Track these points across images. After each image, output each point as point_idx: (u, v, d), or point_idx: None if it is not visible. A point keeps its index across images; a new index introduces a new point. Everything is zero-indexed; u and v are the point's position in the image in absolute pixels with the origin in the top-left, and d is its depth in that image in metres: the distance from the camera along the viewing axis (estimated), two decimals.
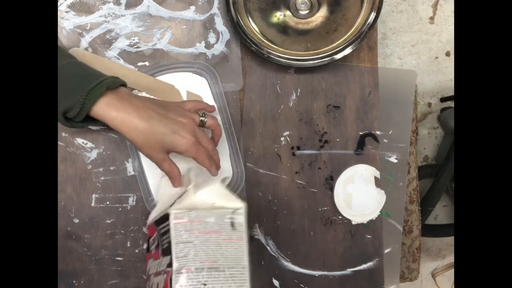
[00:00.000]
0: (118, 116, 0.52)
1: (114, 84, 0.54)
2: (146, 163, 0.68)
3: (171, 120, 0.55)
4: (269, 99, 0.71)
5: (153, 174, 0.68)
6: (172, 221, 0.52)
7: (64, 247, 0.68)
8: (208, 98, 0.68)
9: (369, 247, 0.73)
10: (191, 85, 0.68)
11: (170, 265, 0.50)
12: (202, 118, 0.59)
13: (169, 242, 0.51)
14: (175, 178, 0.58)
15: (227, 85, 0.70)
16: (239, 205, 0.55)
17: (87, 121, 0.55)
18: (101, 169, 0.68)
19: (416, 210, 0.99)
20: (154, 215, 0.62)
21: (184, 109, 0.59)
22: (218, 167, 0.60)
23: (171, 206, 0.55)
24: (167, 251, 0.52)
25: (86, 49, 0.68)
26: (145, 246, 0.69)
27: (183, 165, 0.61)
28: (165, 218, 0.54)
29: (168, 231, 0.52)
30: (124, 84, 0.56)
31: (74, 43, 0.67)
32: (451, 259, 1.52)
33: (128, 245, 0.69)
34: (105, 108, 0.52)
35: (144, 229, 0.69)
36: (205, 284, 0.50)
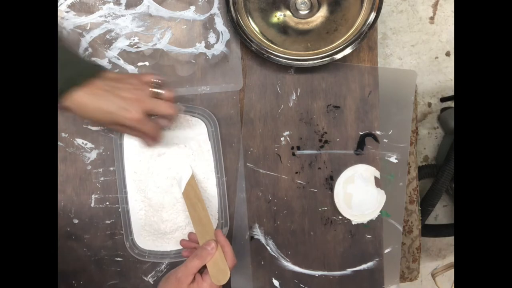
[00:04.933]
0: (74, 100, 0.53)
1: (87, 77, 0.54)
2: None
3: (117, 97, 0.55)
4: (269, 99, 0.71)
5: None
6: None
7: (64, 247, 0.68)
8: (205, 139, 0.69)
9: (369, 247, 0.73)
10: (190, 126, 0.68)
11: None
12: (156, 90, 0.59)
13: None
14: (153, 136, 0.60)
15: (227, 85, 0.70)
16: None
17: None
18: (101, 170, 0.68)
19: (416, 210, 0.99)
20: None
21: (140, 82, 0.58)
22: (158, 140, 0.61)
23: None
24: None
25: (86, 49, 0.68)
26: None
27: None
28: None
29: None
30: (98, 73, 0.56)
31: (74, 42, 0.67)
32: (451, 259, 1.52)
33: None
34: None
35: None
36: None
